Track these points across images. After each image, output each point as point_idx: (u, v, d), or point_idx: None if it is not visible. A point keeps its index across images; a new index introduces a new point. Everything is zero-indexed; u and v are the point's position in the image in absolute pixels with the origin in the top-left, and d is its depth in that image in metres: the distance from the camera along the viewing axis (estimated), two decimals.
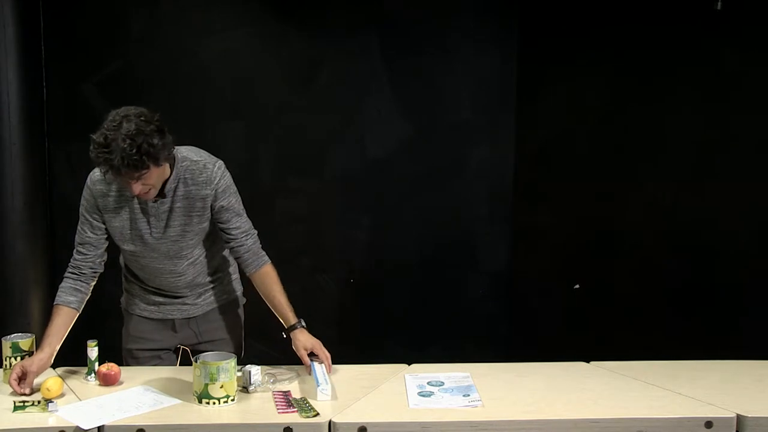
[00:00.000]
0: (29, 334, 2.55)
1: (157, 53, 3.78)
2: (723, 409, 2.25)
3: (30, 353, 2.48)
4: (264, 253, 2.62)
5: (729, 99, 3.86)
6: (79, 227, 2.53)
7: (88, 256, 2.53)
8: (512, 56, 3.91)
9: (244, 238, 2.56)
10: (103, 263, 2.57)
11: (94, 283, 2.57)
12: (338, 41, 3.84)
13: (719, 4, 3.70)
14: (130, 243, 2.53)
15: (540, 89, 3.94)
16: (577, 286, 4.04)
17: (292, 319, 2.57)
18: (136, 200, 2.47)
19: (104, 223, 2.51)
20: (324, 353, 2.52)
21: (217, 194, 2.49)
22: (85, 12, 3.73)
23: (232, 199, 2.54)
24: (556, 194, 4.00)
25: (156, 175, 2.34)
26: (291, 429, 2.15)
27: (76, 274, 2.53)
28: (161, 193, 2.45)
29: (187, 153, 2.50)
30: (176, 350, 2.75)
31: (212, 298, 2.71)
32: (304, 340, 2.54)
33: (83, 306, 2.53)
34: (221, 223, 2.54)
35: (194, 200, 2.48)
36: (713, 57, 3.83)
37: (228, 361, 2.28)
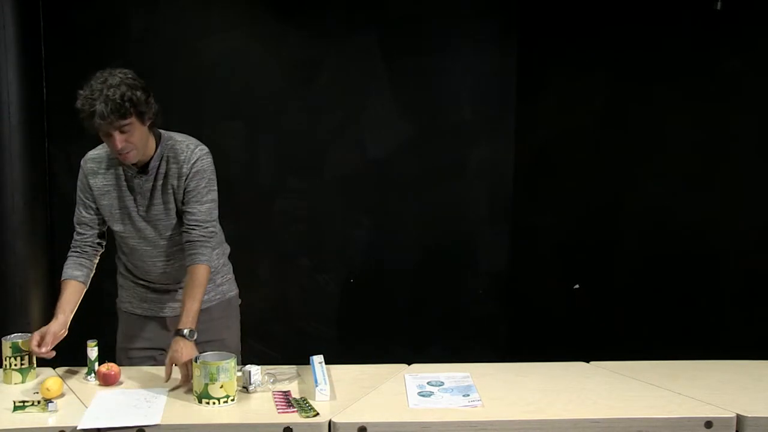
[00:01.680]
0: (29, 334, 2.54)
1: (157, 53, 3.78)
2: (723, 409, 2.25)
3: (30, 353, 2.48)
4: (205, 252, 2.52)
5: (729, 100, 3.86)
6: (76, 208, 2.62)
7: (86, 236, 2.60)
8: (512, 56, 3.91)
9: (192, 226, 2.52)
10: (103, 242, 2.64)
11: (97, 260, 2.63)
12: (338, 41, 3.84)
13: (719, 4, 3.70)
14: (119, 223, 2.57)
15: (540, 89, 3.94)
16: (577, 286, 4.04)
17: (182, 324, 2.43)
18: (123, 178, 2.53)
19: (96, 206, 2.58)
20: (184, 368, 2.37)
21: (190, 174, 2.51)
22: (85, 12, 3.72)
23: (201, 183, 2.53)
24: (556, 194, 4.00)
25: (138, 134, 2.38)
26: (291, 429, 2.15)
27: (78, 252, 2.61)
28: (145, 170, 2.50)
29: (173, 134, 2.57)
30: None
31: (205, 296, 2.66)
32: (176, 349, 2.39)
33: (89, 281, 2.60)
34: (184, 205, 2.53)
35: (172, 178, 2.52)
36: (713, 57, 3.83)
37: (228, 361, 2.28)
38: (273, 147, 3.90)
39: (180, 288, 2.67)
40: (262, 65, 3.84)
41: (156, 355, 2.71)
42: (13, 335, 2.51)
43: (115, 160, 2.52)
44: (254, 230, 3.82)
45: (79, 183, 2.60)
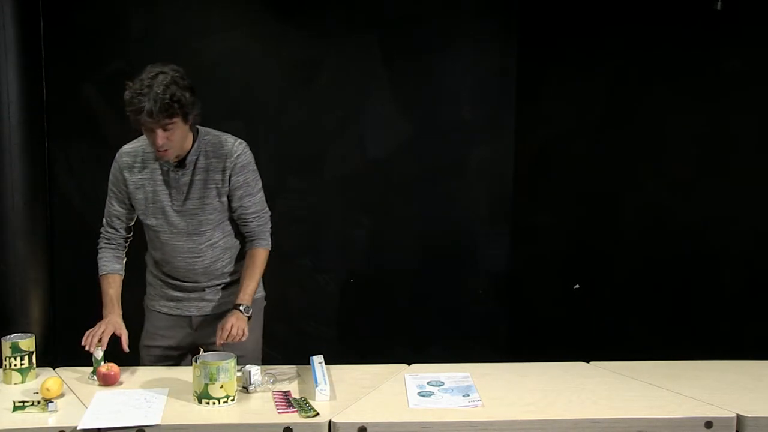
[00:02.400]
0: (29, 334, 2.55)
1: (157, 53, 3.76)
2: (723, 409, 2.26)
3: (30, 353, 2.49)
4: (265, 236, 2.69)
5: (729, 99, 3.86)
6: (107, 202, 2.68)
7: (118, 230, 2.68)
8: (512, 56, 3.91)
9: (249, 219, 2.66)
10: (131, 235, 2.73)
11: (126, 250, 2.73)
12: (338, 41, 3.84)
13: (719, 4, 3.70)
14: (152, 217, 2.61)
15: (540, 89, 3.94)
16: (577, 286, 4.04)
17: (240, 299, 2.59)
18: (159, 172, 2.57)
19: (129, 200, 2.62)
20: (226, 326, 2.51)
21: (235, 168, 2.58)
22: (85, 12, 3.72)
23: (249, 176, 2.63)
24: (556, 194, 4.00)
25: (180, 132, 2.45)
26: (291, 429, 2.15)
27: (113, 245, 2.69)
28: (182, 164, 2.55)
29: (210, 130, 2.63)
30: (194, 352, 2.73)
31: (231, 297, 2.71)
32: (229, 319, 2.54)
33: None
34: (233, 200, 2.62)
35: (213, 172, 2.57)
36: (713, 57, 3.83)
37: (228, 361, 2.28)
38: (273, 147, 3.89)
39: (208, 285, 2.70)
40: (262, 65, 3.84)
41: (175, 355, 2.73)
42: (13, 335, 2.52)
43: (151, 155, 2.57)
44: None
45: (111, 177, 2.65)
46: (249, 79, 3.84)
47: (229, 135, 2.65)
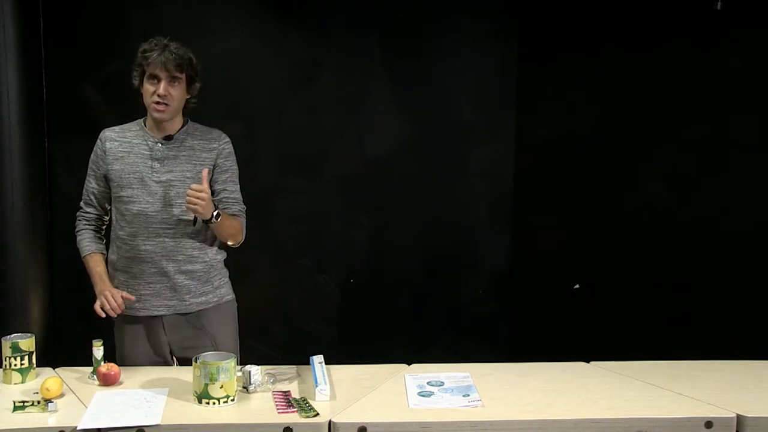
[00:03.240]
0: (29, 334, 2.55)
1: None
2: (723, 409, 2.26)
3: (30, 353, 2.49)
4: (244, 225, 2.79)
5: (729, 99, 3.86)
6: (85, 181, 2.78)
7: (96, 207, 2.77)
8: (512, 56, 3.91)
9: (231, 202, 2.73)
10: (108, 215, 2.80)
11: (104, 231, 2.83)
12: (338, 41, 3.84)
13: (719, 4, 3.70)
14: (128, 187, 2.66)
15: (540, 89, 3.94)
16: (577, 286, 4.04)
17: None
18: (142, 147, 2.67)
19: (106, 176, 2.69)
20: (198, 192, 2.52)
21: (222, 153, 2.72)
22: (85, 12, 3.72)
23: (234, 165, 2.78)
24: (556, 194, 4.00)
25: (180, 93, 2.64)
26: (291, 429, 2.15)
27: (93, 226, 2.79)
28: (170, 138, 2.67)
29: (197, 124, 2.79)
30: (171, 357, 2.73)
31: (203, 297, 2.71)
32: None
33: None
34: (218, 183, 2.71)
35: (201, 151, 2.70)
36: (713, 57, 3.83)
37: (228, 361, 2.28)
38: (273, 147, 3.89)
39: (174, 275, 2.65)
40: (262, 65, 3.84)
41: (160, 362, 2.71)
42: (13, 335, 2.52)
43: (137, 134, 2.69)
44: (254, 230, 3.81)
45: (93, 155, 2.75)
46: (249, 79, 3.84)
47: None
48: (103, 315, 2.59)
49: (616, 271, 4.02)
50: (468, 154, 3.98)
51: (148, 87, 2.63)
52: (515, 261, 4.05)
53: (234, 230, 2.72)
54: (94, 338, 2.53)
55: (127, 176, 2.65)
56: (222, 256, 2.80)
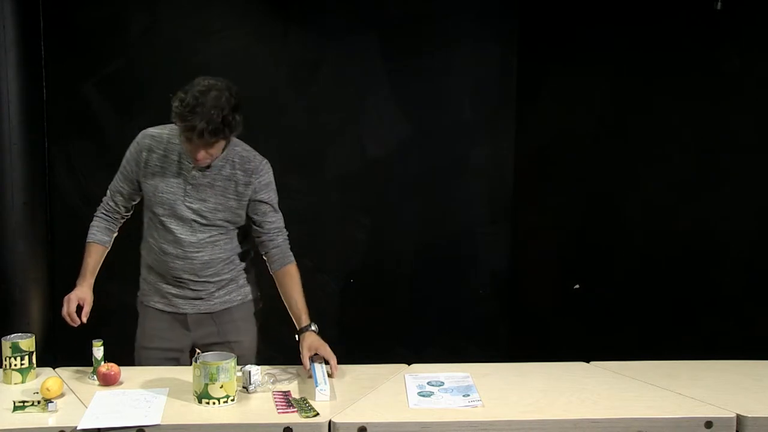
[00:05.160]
0: (29, 334, 2.55)
1: (157, 53, 3.78)
2: (723, 409, 2.26)
3: (30, 353, 2.49)
4: (291, 253, 2.69)
5: (729, 100, 3.86)
6: (116, 175, 2.67)
7: (119, 204, 2.69)
8: (512, 56, 3.91)
9: (275, 234, 2.67)
10: (130, 213, 2.73)
11: (120, 225, 2.74)
12: (338, 41, 3.84)
13: (719, 4, 3.70)
14: (160, 206, 2.59)
15: (540, 89, 3.94)
16: (577, 286, 4.04)
17: (305, 321, 2.60)
18: (178, 165, 2.56)
19: (138, 181, 2.61)
20: (329, 354, 2.52)
21: (259, 186, 2.61)
22: (85, 12, 3.72)
23: (272, 195, 2.66)
24: (556, 194, 4.00)
25: (220, 148, 2.48)
26: (291, 429, 2.15)
27: (108, 217, 2.70)
28: (207, 166, 2.55)
29: (242, 144, 2.65)
30: (191, 353, 2.73)
31: (227, 296, 2.72)
32: (310, 341, 2.54)
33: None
34: (257, 215, 2.64)
35: (236, 184, 2.58)
36: (713, 57, 3.83)
37: (228, 361, 2.28)
38: (273, 147, 3.88)
39: (204, 283, 2.67)
40: (262, 65, 3.84)
41: (176, 357, 2.72)
42: (13, 335, 2.51)
43: (176, 146, 2.56)
44: None
45: (128, 154, 2.62)
46: (249, 79, 3.82)
47: (255, 151, 2.67)
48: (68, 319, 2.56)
49: (616, 271, 4.02)
50: (468, 154, 3.98)
51: (185, 143, 2.47)
52: (515, 261, 4.05)
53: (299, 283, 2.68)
54: (94, 338, 2.53)
55: (160, 195, 2.58)
56: (249, 256, 2.80)
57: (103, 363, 2.47)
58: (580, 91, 3.92)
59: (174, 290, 2.69)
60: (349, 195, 3.96)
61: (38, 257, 3.64)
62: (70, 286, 3.67)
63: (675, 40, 3.83)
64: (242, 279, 2.77)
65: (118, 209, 2.70)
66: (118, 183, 2.67)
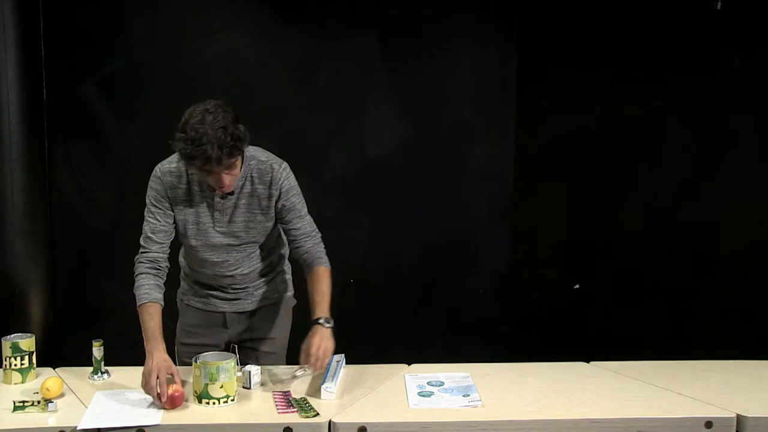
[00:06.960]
0: (29, 334, 2.55)
1: (157, 53, 3.78)
2: (723, 409, 2.26)
3: (30, 353, 2.48)
4: (322, 256, 2.65)
5: (729, 100, 3.86)
6: (148, 218, 2.53)
7: (163, 245, 2.53)
8: (512, 56, 3.91)
9: (303, 240, 2.63)
10: (169, 254, 2.57)
11: (165, 277, 2.56)
12: (338, 41, 3.84)
13: (719, 4, 3.70)
14: (194, 238, 2.56)
15: (540, 89, 3.94)
16: (577, 286, 4.04)
17: (315, 314, 2.51)
18: (201, 195, 2.52)
19: (173, 211, 2.53)
20: (309, 345, 2.40)
21: (281, 193, 2.56)
22: (85, 12, 3.72)
23: (294, 200, 2.59)
24: (556, 194, 4.00)
25: (239, 165, 2.42)
26: (291, 429, 2.15)
27: (155, 268, 2.51)
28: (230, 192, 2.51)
29: (254, 152, 2.58)
30: (228, 348, 2.75)
31: (264, 294, 2.74)
32: (310, 335, 2.45)
33: None
34: (283, 222, 2.62)
35: (259, 198, 2.55)
36: (713, 57, 3.83)
37: (228, 361, 2.28)
38: (273, 147, 3.88)
39: (242, 287, 2.69)
40: (262, 65, 3.84)
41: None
42: (13, 335, 2.52)
43: (194, 176, 2.49)
44: None
45: (153, 192, 2.52)
46: (249, 79, 3.84)
47: (273, 156, 2.61)
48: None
49: (616, 271, 4.02)
50: (468, 154, 3.98)
51: (205, 174, 2.38)
52: (515, 261, 4.04)
53: (330, 287, 2.59)
54: (94, 338, 2.53)
55: (191, 227, 2.54)
56: (285, 259, 2.82)
57: (103, 363, 2.47)
58: (580, 91, 3.92)
59: (213, 292, 2.72)
60: (349, 195, 3.96)
61: (38, 257, 3.63)
62: (70, 286, 3.69)
63: (675, 40, 3.84)
64: (279, 277, 2.80)
65: (161, 252, 2.52)
66: (157, 223, 2.52)
